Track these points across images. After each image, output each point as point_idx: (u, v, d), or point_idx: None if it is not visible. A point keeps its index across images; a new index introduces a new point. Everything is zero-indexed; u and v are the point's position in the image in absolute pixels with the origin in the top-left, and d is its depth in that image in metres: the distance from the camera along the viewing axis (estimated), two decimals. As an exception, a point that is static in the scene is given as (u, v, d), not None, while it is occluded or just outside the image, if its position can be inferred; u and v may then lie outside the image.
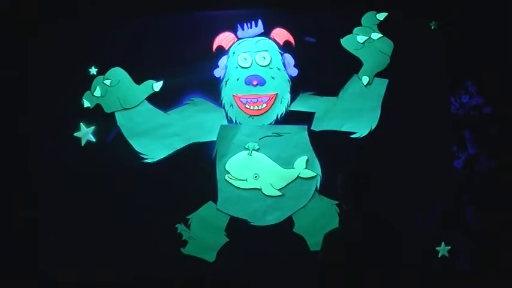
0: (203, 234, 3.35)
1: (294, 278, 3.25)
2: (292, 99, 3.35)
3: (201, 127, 3.38)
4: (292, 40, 3.34)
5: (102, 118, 3.36)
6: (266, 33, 3.34)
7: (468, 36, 3.34)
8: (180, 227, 3.35)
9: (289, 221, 3.36)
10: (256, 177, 3.35)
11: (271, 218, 3.35)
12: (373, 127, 3.34)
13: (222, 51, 3.35)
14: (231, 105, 3.36)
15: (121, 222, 3.32)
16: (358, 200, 2.19)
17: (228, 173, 3.35)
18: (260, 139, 3.36)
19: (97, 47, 3.37)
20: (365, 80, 3.34)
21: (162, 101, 3.37)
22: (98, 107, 3.36)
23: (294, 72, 3.35)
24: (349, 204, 2.24)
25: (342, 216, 3.11)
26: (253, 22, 3.34)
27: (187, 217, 3.35)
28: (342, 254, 2.12)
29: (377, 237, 2.14)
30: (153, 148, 3.37)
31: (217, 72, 3.36)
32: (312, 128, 3.36)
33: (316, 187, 3.35)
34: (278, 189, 3.35)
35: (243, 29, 3.35)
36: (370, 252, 2.11)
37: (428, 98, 3.34)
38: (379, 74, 3.35)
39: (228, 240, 3.35)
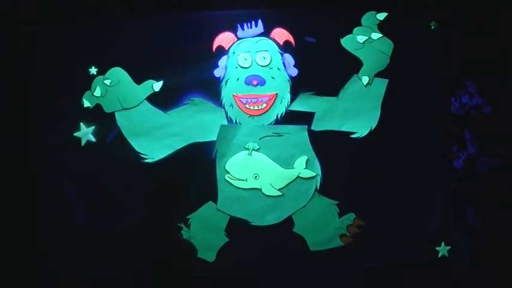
0: (203, 234, 3.33)
1: (294, 277, 3.25)
2: (292, 99, 3.35)
3: (201, 127, 3.37)
4: (292, 40, 3.33)
5: (102, 118, 3.35)
6: (266, 33, 3.34)
7: (468, 36, 3.34)
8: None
9: (289, 221, 3.35)
10: (256, 177, 3.35)
11: (271, 218, 3.35)
12: (373, 127, 3.34)
13: (222, 51, 3.35)
14: (231, 105, 3.36)
15: (120, 222, 3.31)
16: None
17: (228, 173, 3.35)
18: (260, 139, 3.35)
19: (97, 47, 3.36)
20: (365, 80, 3.33)
21: (162, 101, 3.37)
22: (98, 107, 3.35)
23: (294, 72, 3.35)
24: None
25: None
26: (253, 22, 3.33)
27: (187, 217, 3.34)
28: None
29: None
30: (153, 148, 3.37)
31: (217, 72, 3.36)
32: (312, 128, 3.35)
33: (316, 187, 3.35)
34: (278, 189, 3.34)
35: (243, 29, 3.34)
36: None
37: (428, 98, 3.34)
38: (379, 74, 3.34)
39: (228, 240, 3.34)
